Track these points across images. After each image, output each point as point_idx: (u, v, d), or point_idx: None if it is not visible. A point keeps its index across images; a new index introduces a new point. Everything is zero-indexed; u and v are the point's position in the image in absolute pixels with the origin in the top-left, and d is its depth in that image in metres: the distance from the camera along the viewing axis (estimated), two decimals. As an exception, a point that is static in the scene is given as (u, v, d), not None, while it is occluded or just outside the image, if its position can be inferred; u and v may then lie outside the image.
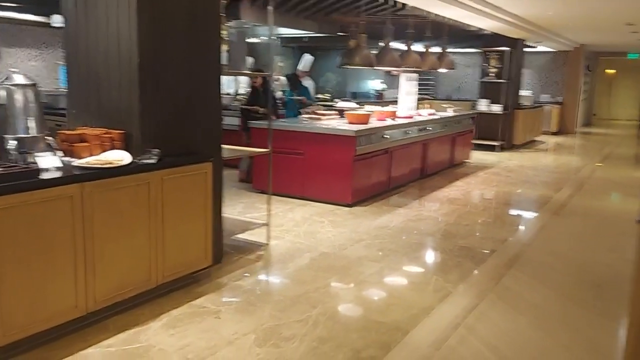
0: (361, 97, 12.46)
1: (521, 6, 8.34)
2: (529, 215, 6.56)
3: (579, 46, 15.13)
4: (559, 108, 15.59)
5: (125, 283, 3.16)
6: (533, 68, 16.01)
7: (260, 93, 7.23)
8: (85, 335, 2.97)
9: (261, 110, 7.10)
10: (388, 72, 13.82)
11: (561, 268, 4.49)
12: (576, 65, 15.72)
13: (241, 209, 5.84)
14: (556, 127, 15.45)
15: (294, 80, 8.36)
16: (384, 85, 14.00)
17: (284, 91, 8.69)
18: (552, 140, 14.25)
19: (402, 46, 7.96)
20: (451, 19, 8.50)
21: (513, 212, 6.77)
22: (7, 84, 3.05)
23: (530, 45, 13.23)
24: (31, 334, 2.74)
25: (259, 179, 6.49)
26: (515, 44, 11.53)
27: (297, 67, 8.85)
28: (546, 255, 4.84)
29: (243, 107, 7.52)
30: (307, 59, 9.43)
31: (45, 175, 2.81)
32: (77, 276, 2.88)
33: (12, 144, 2.97)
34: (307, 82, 9.17)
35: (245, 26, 8.42)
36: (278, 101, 8.11)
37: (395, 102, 9.20)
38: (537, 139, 13.76)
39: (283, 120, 7.29)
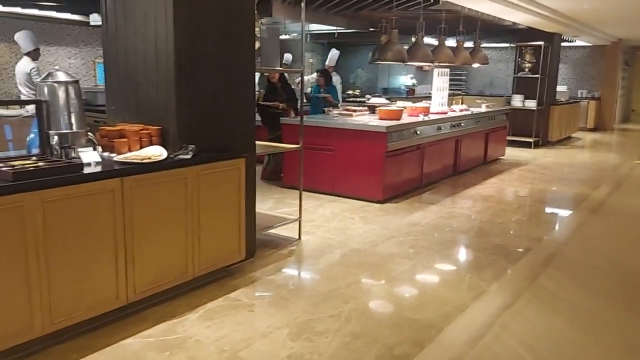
0: (392, 93, 12.41)
1: (557, -1, 8.15)
2: (564, 213, 6.41)
3: (617, 40, 14.67)
4: (596, 104, 15.17)
5: (163, 275, 3.24)
6: (569, 63, 15.62)
7: (278, 88, 7.06)
8: (125, 325, 3.05)
9: (281, 105, 6.92)
10: (420, 68, 13.73)
11: (598, 267, 4.38)
12: (614, 60, 15.25)
13: (272, 204, 5.89)
14: (593, 123, 15.05)
15: (327, 75, 8.37)
16: (414, 81, 13.90)
17: (311, 88, 8.72)
18: (588, 136, 13.89)
19: (434, 41, 7.88)
20: (485, 14, 8.36)
21: (548, 210, 6.63)
22: (50, 81, 3.15)
23: (567, 39, 12.90)
24: (75, 322, 2.83)
25: (290, 175, 6.52)
26: (552, 38, 11.26)
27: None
28: (583, 254, 4.74)
29: (261, 103, 6.85)
30: (332, 54, 9.46)
31: (87, 170, 2.90)
32: (117, 267, 2.97)
33: (55, 139, 3.07)
34: (334, 78, 9.18)
35: (280, 23, 8.46)
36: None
37: (426, 97, 9.14)
38: (573, 135, 13.42)
39: (313, 116, 7.30)
